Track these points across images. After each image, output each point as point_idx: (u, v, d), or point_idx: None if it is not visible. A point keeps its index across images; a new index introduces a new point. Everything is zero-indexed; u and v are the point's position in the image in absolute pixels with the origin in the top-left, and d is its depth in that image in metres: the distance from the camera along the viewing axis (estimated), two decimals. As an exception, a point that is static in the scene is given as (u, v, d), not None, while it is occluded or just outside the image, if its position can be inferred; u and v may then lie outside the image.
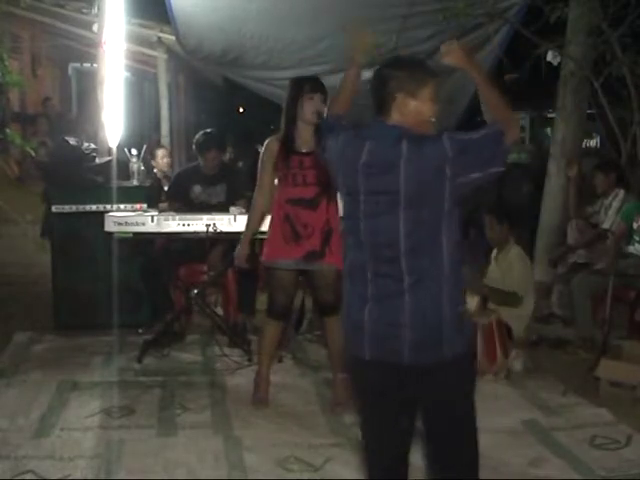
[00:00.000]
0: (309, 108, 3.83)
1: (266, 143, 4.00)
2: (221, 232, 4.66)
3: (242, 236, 4.17)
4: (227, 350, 4.90)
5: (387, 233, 2.26)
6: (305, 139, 3.87)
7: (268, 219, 4.11)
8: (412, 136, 2.24)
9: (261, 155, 4.02)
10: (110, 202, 5.38)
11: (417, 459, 3.38)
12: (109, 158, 5.73)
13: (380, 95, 2.32)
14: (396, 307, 2.26)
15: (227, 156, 7.88)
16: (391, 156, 2.23)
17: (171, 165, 7.29)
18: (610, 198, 5.61)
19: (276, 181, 4.00)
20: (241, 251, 4.12)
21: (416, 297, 2.24)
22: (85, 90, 10.82)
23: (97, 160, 5.69)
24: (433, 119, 2.34)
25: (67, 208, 5.49)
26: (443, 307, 2.24)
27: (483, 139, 2.24)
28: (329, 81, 4.07)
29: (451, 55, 2.41)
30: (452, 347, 2.27)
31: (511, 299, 4.75)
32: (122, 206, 5.38)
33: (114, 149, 5.89)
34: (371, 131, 2.33)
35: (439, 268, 2.24)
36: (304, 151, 3.87)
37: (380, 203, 2.27)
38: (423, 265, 2.24)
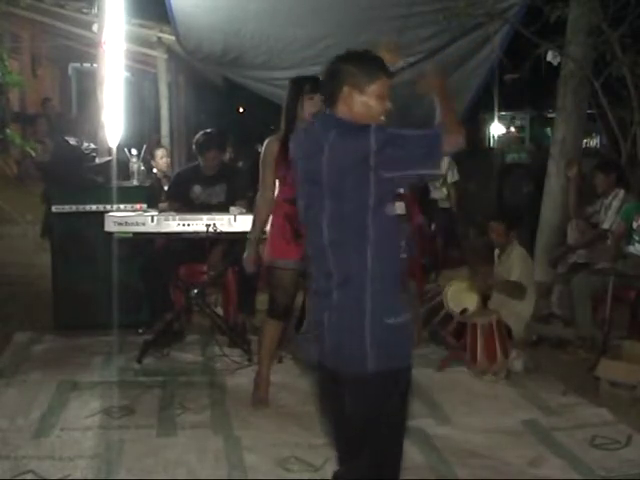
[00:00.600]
0: (309, 108, 3.83)
1: (266, 143, 3.99)
2: (221, 232, 4.66)
3: (248, 239, 4.06)
4: (227, 350, 4.90)
5: (315, 224, 2.23)
6: None
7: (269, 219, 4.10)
8: (342, 125, 2.20)
9: (261, 156, 4.01)
10: (110, 202, 5.38)
11: (419, 458, 3.40)
12: (109, 158, 5.73)
13: (329, 87, 2.28)
14: (325, 306, 2.21)
15: (227, 156, 7.87)
16: (319, 145, 2.19)
17: (171, 165, 7.29)
18: (610, 198, 5.60)
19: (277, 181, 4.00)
20: (249, 255, 4.01)
21: (341, 298, 2.17)
22: (85, 90, 10.83)
23: (97, 160, 5.69)
24: (383, 117, 2.27)
25: (67, 208, 5.48)
26: (366, 313, 2.14)
27: (418, 137, 2.17)
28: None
29: (427, 86, 2.35)
30: (375, 361, 2.14)
31: (516, 290, 4.76)
32: (122, 206, 5.37)
33: (114, 149, 5.89)
34: (315, 122, 2.33)
35: (364, 268, 2.15)
36: None
37: (310, 193, 2.24)
38: (349, 262, 2.17)
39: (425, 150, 2.16)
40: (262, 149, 4.05)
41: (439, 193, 7.30)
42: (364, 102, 2.24)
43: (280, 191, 3.95)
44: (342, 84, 2.24)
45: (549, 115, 13.14)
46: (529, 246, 6.05)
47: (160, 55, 9.66)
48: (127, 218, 4.72)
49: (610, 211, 5.54)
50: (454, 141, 2.20)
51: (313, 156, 2.20)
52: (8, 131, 7.11)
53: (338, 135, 2.16)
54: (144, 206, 5.34)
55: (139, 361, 4.77)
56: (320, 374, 2.34)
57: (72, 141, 5.72)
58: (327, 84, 2.29)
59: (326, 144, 2.17)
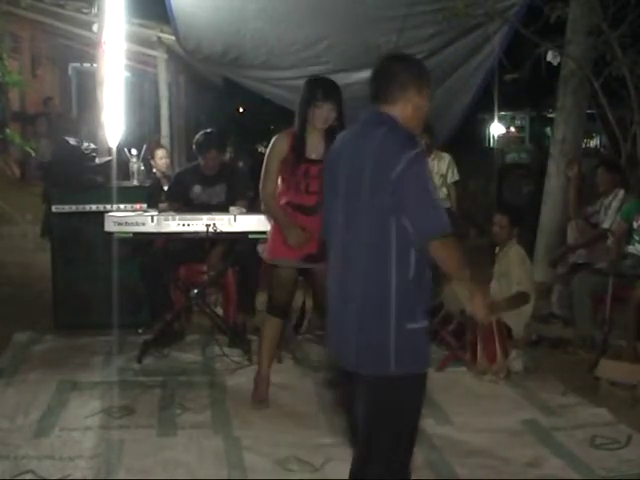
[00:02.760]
0: (318, 116, 3.80)
1: (276, 138, 3.92)
2: (221, 232, 4.66)
3: (284, 223, 3.91)
4: (227, 350, 4.90)
5: (349, 224, 2.40)
6: (314, 144, 3.85)
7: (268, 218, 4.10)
8: (391, 125, 2.32)
9: (268, 151, 3.94)
10: (110, 202, 5.38)
11: (419, 457, 3.40)
12: (109, 158, 5.73)
13: (386, 86, 2.37)
14: (350, 310, 2.31)
15: (227, 156, 7.87)
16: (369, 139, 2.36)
17: (171, 165, 7.28)
18: (610, 198, 5.60)
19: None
20: (293, 231, 3.87)
21: (365, 303, 2.27)
22: (85, 90, 10.83)
23: (97, 160, 5.69)
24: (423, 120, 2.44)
25: (67, 208, 5.49)
26: (390, 318, 2.24)
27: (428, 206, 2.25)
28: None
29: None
30: (397, 364, 2.24)
31: (519, 301, 4.72)
32: (122, 206, 5.38)
33: (114, 149, 5.89)
34: (365, 118, 2.44)
35: (387, 274, 2.24)
36: (313, 157, 3.84)
37: (348, 193, 2.38)
38: (374, 266, 2.29)
39: (428, 223, 2.25)
40: (271, 142, 3.95)
41: (439, 193, 7.29)
42: (418, 103, 2.37)
43: (283, 193, 3.93)
44: (407, 85, 2.34)
45: (549, 115, 13.16)
46: (529, 246, 6.04)
47: (160, 55, 9.65)
48: (127, 218, 4.72)
49: (610, 211, 5.54)
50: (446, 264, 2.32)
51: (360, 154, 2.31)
52: (8, 131, 7.09)
53: (388, 132, 2.29)
54: (144, 206, 5.34)
55: (139, 361, 4.77)
56: (340, 374, 2.42)
57: (72, 141, 5.71)
58: (384, 82, 2.38)
59: (377, 139, 2.28)
